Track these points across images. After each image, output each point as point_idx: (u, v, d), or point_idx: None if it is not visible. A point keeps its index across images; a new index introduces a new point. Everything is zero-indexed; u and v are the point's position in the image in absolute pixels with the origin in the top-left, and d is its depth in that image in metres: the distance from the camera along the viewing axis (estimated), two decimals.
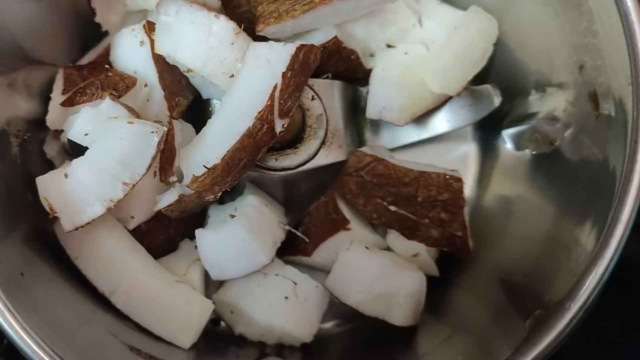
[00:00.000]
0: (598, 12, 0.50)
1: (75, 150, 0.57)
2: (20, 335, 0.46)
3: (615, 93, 0.49)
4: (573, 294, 0.46)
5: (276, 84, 0.54)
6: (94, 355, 0.52)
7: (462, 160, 0.67)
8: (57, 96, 0.59)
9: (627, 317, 0.63)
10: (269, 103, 0.54)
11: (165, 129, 0.54)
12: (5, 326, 0.46)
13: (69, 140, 0.57)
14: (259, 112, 0.54)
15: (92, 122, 0.55)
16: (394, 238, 0.62)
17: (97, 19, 0.62)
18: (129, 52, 0.60)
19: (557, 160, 0.56)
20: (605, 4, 0.49)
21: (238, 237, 0.58)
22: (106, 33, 0.64)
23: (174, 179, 0.56)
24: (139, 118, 0.56)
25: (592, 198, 0.50)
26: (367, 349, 0.62)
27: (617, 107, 0.49)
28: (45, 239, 0.57)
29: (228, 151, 0.55)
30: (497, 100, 0.61)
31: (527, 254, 0.57)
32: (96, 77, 0.59)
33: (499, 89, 0.62)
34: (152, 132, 0.53)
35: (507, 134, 0.64)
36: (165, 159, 0.56)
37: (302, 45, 0.56)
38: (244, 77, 0.55)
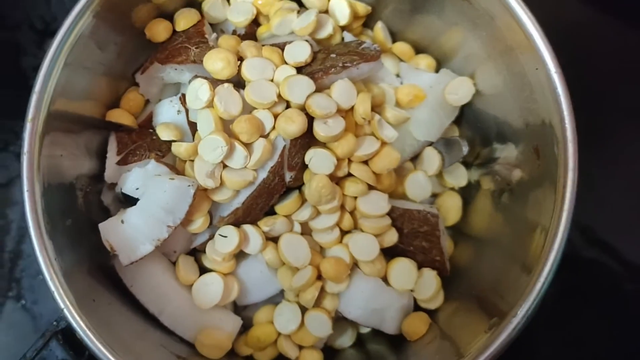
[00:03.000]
0: (536, 84, 0.63)
1: (127, 199, 0.71)
2: (100, 349, 0.59)
3: (549, 149, 0.62)
4: (517, 306, 0.60)
5: (285, 145, 0.69)
6: None
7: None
8: (112, 156, 0.72)
9: None
10: (279, 160, 0.69)
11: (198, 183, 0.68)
12: (87, 341, 0.59)
13: (122, 192, 0.71)
14: (272, 167, 0.68)
15: (141, 179, 0.69)
16: None
17: (141, 91, 0.76)
18: (168, 120, 0.73)
19: (512, 197, 0.69)
20: (539, 79, 0.62)
21: (256, 268, 0.72)
22: (148, 101, 0.78)
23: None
24: (178, 174, 0.70)
25: (535, 230, 0.63)
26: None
27: (551, 160, 0.62)
28: (106, 271, 0.69)
29: (247, 197, 0.69)
30: (465, 150, 0.74)
31: (491, 273, 0.70)
32: (143, 140, 0.73)
33: (467, 140, 0.75)
34: (189, 185, 0.67)
35: (477, 174, 0.78)
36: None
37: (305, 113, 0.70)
38: None
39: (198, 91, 0.68)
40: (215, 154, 0.66)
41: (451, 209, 0.78)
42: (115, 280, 0.70)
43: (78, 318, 0.60)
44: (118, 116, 0.75)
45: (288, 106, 0.70)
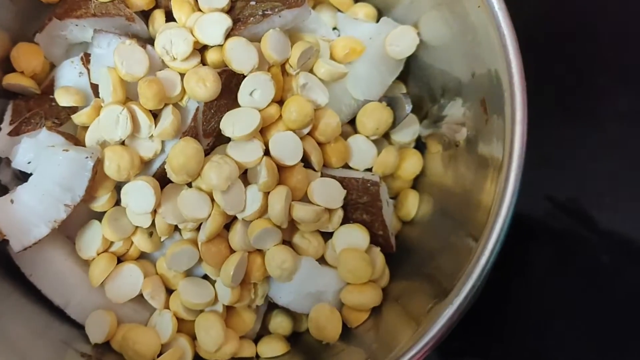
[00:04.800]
0: (479, 25, 0.54)
1: (25, 176, 0.62)
2: None
3: (496, 98, 0.53)
4: (461, 282, 0.51)
5: (198, 107, 0.59)
6: None
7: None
8: (5, 126, 0.63)
9: None
10: (192, 124, 0.60)
11: (99, 153, 0.59)
12: None
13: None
14: (184, 132, 0.59)
15: (32, 150, 0.60)
16: None
17: (44, 53, 0.67)
18: (70, 83, 0.64)
19: (461, 158, 0.61)
20: (482, 18, 0.53)
21: None
22: (54, 66, 0.69)
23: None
24: (77, 144, 0.61)
25: (482, 194, 0.54)
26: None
27: (498, 111, 0.53)
28: (0, 259, 0.61)
29: (158, 168, 0.60)
30: (408, 108, 0.65)
31: (442, 247, 0.61)
32: (41, 107, 0.64)
33: (411, 97, 0.66)
34: (87, 157, 0.58)
35: (424, 136, 0.68)
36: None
37: (224, 70, 0.61)
38: None
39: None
40: (119, 129, 0.58)
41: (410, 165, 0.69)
42: (12, 269, 0.62)
43: None
44: (16, 78, 0.66)
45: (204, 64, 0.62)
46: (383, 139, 0.69)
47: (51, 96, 0.65)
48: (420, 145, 0.70)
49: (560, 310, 0.82)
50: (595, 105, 0.84)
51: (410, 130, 0.69)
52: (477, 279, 0.50)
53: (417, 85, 0.69)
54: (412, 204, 0.68)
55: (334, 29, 0.69)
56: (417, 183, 0.70)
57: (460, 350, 0.77)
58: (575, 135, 0.83)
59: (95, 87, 0.62)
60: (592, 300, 0.81)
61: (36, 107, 0.64)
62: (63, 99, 0.62)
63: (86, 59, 0.64)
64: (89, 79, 0.63)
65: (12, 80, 0.65)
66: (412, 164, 0.68)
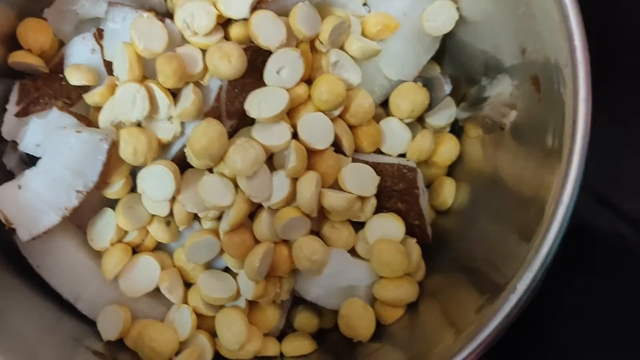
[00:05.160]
0: None
1: (33, 160, 0.58)
2: None
3: (554, 75, 0.49)
4: (516, 278, 0.46)
5: (221, 85, 0.55)
6: None
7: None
8: (11, 107, 0.59)
9: None
10: (215, 104, 0.55)
11: (114, 135, 0.55)
12: None
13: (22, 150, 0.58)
14: (206, 113, 0.55)
15: (42, 132, 0.57)
16: None
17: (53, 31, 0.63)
18: (81, 61, 0.60)
19: (507, 143, 0.56)
20: None
21: None
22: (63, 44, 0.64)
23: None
24: (90, 125, 0.57)
25: (536, 183, 0.50)
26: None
27: (555, 89, 0.48)
28: (7, 249, 0.57)
29: (178, 152, 0.56)
30: (447, 89, 0.61)
31: (483, 240, 0.57)
32: (50, 86, 0.60)
33: (449, 78, 0.61)
34: (101, 139, 0.54)
35: (462, 119, 0.64)
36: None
37: (249, 46, 0.56)
38: None
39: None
40: (136, 109, 0.54)
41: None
42: (18, 260, 0.58)
43: None
44: (22, 56, 0.61)
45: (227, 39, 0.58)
46: (416, 123, 0.65)
47: (61, 75, 0.61)
48: (455, 129, 0.65)
49: (598, 311, 0.77)
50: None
51: (446, 113, 0.64)
52: (537, 271, 0.45)
53: (453, 65, 0.64)
54: (449, 193, 0.63)
55: (364, 4, 0.64)
56: (452, 170, 0.65)
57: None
58: (611, 123, 0.78)
59: (109, 65, 0.58)
60: (632, 301, 0.77)
61: (45, 87, 0.60)
62: (74, 77, 0.58)
63: (99, 35, 0.59)
64: (102, 56, 0.59)
65: (18, 58, 0.61)
66: (448, 150, 0.63)
